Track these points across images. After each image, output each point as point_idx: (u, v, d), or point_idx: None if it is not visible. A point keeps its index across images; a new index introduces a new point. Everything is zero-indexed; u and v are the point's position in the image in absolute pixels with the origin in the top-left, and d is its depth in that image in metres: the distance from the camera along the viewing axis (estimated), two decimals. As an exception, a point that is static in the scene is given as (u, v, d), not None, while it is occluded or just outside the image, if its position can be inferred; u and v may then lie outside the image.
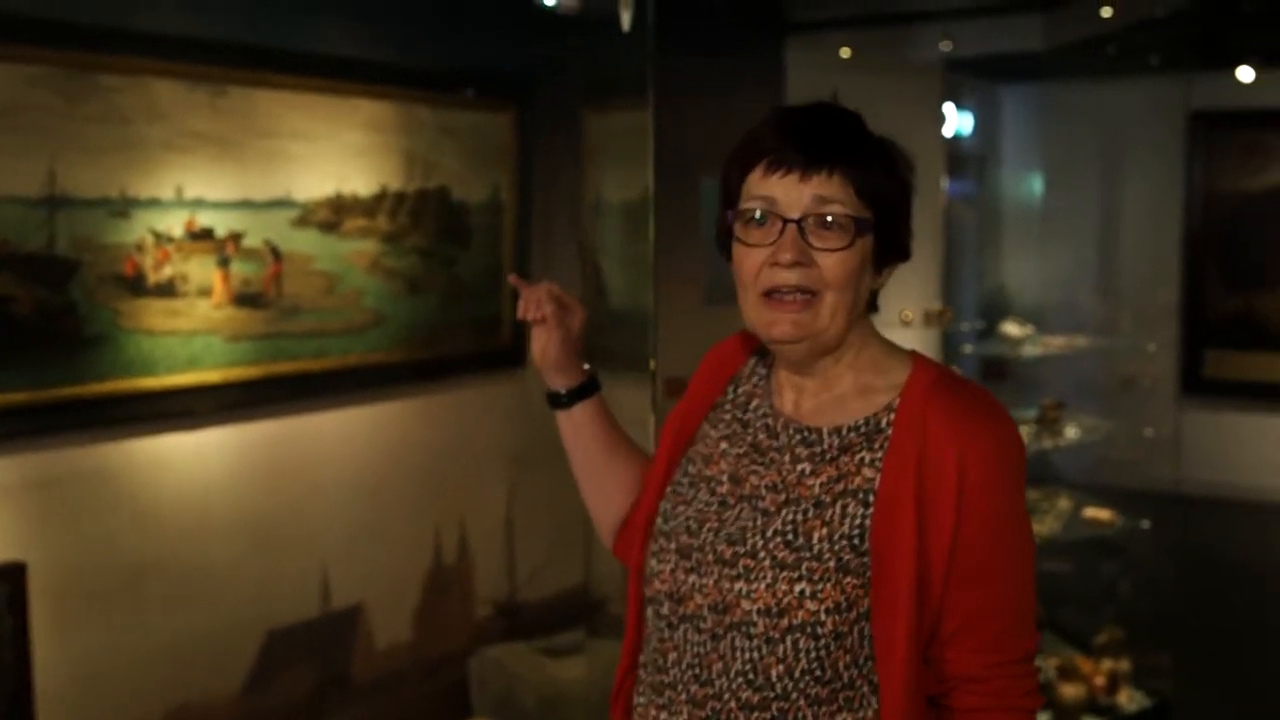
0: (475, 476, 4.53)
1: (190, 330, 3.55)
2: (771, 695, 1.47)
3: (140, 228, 3.41)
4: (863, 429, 1.52)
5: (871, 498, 1.48)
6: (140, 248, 3.41)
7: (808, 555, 1.47)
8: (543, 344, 1.74)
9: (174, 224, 3.49)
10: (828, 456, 1.52)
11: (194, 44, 3.54)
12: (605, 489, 1.80)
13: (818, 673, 1.46)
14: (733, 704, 1.48)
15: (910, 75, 4.97)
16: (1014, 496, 1.50)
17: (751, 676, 1.48)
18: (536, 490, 4.58)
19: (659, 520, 1.62)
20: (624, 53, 3.25)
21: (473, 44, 4.39)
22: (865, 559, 1.46)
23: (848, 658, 1.47)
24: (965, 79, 5.51)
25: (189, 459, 3.64)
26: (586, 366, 1.79)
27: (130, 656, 3.48)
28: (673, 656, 1.54)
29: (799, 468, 1.53)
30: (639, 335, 3.25)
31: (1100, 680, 4.20)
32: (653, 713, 1.56)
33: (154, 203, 3.44)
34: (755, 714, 1.48)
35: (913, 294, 4.86)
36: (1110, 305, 5.46)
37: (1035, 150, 5.88)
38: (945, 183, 5.00)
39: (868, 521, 1.47)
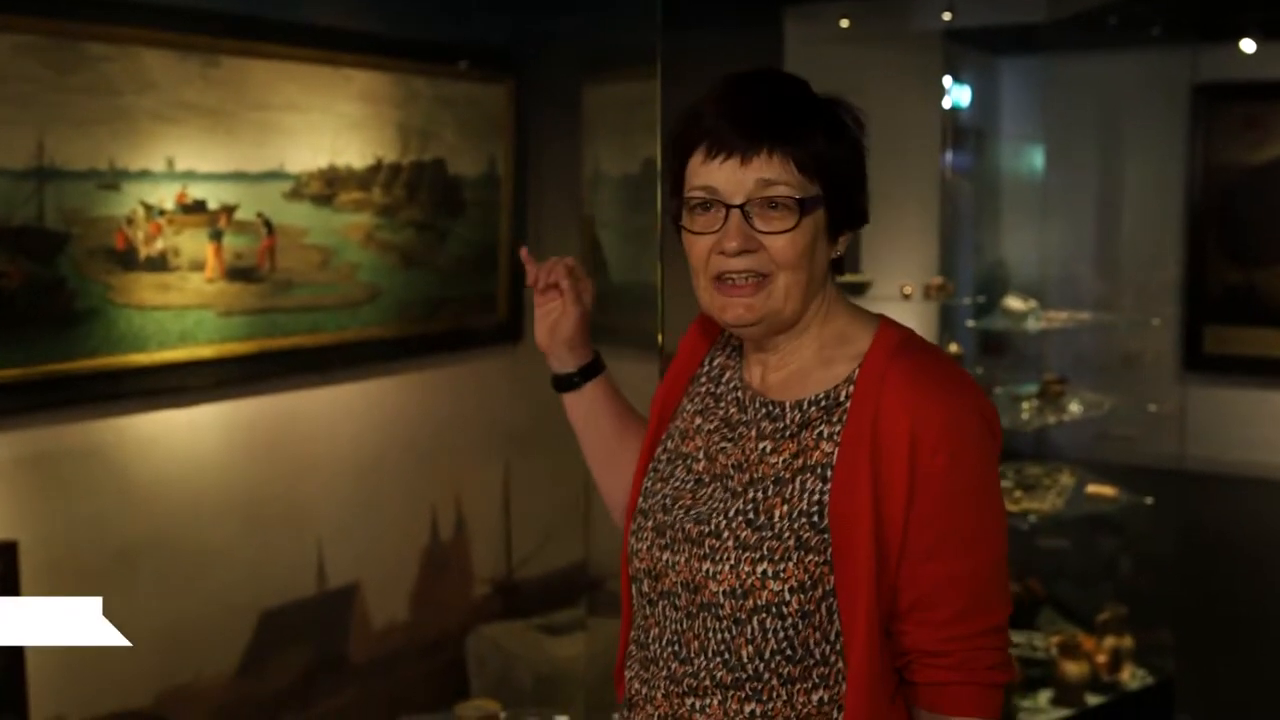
0: (472, 453, 4.48)
1: (183, 305, 3.49)
2: (744, 675, 1.46)
3: (131, 200, 3.35)
4: (823, 402, 1.49)
5: (830, 473, 1.45)
6: (131, 221, 3.35)
7: (769, 534, 1.44)
8: (554, 319, 1.68)
9: (165, 196, 3.43)
10: (788, 432, 1.49)
11: (185, 13, 3.47)
12: (620, 466, 1.75)
13: (788, 652, 1.44)
14: (708, 682, 1.47)
15: (909, 47, 4.91)
16: (974, 468, 1.44)
17: (726, 656, 1.46)
18: (534, 467, 4.54)
19: (640, 498, 1.61)
20: (624, 23, 3.19)
21: (469, 14, 4.33)
22: (825, 535, 1.43)
23: (817, 634, 1.45)
24: (964, 50, 5.45)
25: (182, 436, 3.59)
26: None
27: (124, 636, 3.44)
28: (654, 632, 1.54)
29: (761, 445, 1.51)
30: (640, 310, 3.19)
31: (1103, 658, 4.18)
32: (637, 686, 1.56)
33: (145, 175, 3.38)
34: (730, 692, 1.46)
35: (912, 268, 4.83)
36: (1111, 280, 5.41)
37: (1035, 123, 5.82)
38: (946, 156, 4.95)
39: (826, 497, 1.44)
